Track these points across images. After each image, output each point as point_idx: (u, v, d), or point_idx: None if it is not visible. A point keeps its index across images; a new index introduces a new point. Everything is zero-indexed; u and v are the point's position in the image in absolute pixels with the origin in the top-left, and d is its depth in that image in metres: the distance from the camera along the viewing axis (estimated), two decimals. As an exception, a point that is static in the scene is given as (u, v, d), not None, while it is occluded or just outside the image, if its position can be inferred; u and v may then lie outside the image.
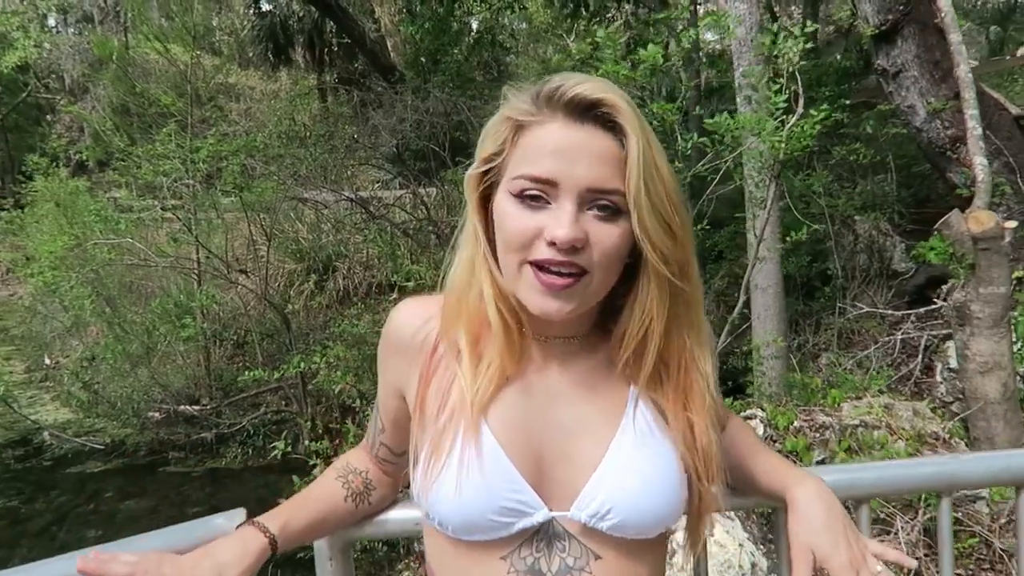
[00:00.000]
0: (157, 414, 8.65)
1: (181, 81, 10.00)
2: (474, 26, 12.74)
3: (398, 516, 1.18)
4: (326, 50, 16.24)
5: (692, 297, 0.93)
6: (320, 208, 9.92)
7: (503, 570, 0.92)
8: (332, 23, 14.32)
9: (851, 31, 13.37)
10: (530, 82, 0.92)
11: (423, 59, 11.21)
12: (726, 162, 3.85)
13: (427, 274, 6.91)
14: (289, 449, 5.24)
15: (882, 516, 2.98)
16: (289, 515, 1.04)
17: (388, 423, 1.11)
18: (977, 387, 3.62)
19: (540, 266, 0.86)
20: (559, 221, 0.84)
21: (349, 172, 9.96)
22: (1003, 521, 3.24)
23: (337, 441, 5.81)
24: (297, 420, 7.82)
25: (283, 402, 8.74)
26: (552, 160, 0.84)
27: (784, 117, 3.46)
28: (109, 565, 0.91)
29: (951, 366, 4.55)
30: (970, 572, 2.99)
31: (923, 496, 2.95)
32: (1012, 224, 3.57)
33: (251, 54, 18.41)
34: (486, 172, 0.92)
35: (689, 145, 3.64)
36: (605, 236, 0.86)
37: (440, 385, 0.97)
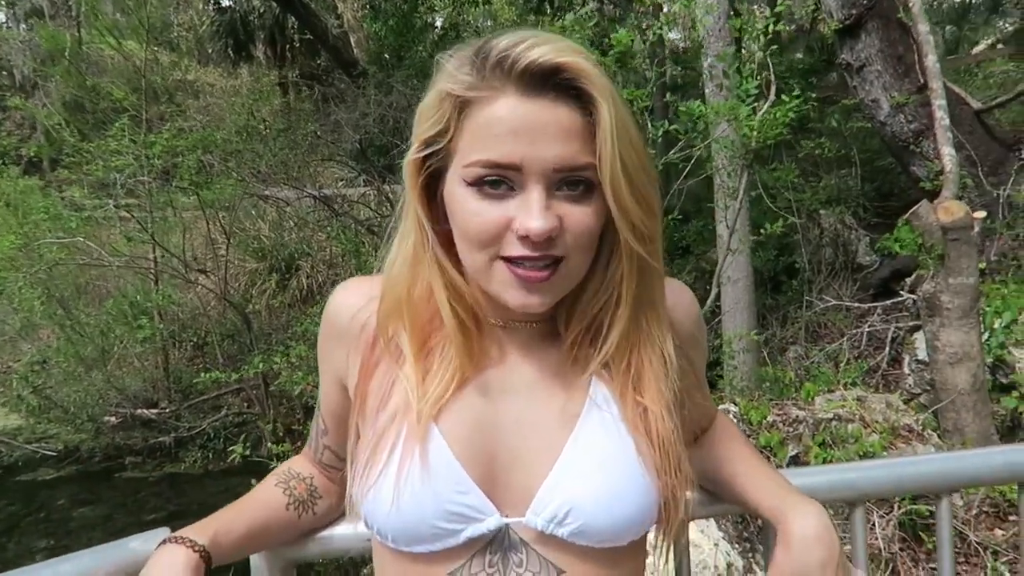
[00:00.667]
0: (113, 418, 8.39)
1: (136, 76, 9.72)
2: (438, 23, 12.60)
3: (346, 532, 1.05)
4: (288, 46, 15.96)
5: (657, 274, 0.83)
6: (282, 206, 9.72)
7: None
8: (294, 19, 14.07)
9: (812, 30, 13.49)
10: (467, 45, 0.79)
11: (386, 55, 11.05)
12: (698, 150, 3.77)
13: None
14: (249, 453, 5.07)
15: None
16: (221, 524, 0.91)
17: (331, 423, 0.98)
18: (947, 378, 3.60)
19: (513, 260, 0.76)
20: (530, 211, 0.73)
21: (312, 169, 9.76)
22: (975, 512, 3.21)
23: (299, 443, 5.64)
24: (259, 422, 7.63)
25: (245, 404, 8.53)
26: (511, 141, 0.73)
27: (755, 105, 3.40)
28: None
29: (919, 358, 4.54)
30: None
31: (898, 490, 2.91)
32: (981, 214, 3.55)
33: (210, 50, 18.04)
34: (428, 156, 0.80)
35: (660, 132, 3.56)
36: (580, 218, 0.76)
37: (382, 381, 0.86)
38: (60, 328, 8.37)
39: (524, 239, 0.74)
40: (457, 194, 0.77)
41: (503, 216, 0.75)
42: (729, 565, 2.37)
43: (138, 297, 8.11)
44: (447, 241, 0.83)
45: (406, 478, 0.79)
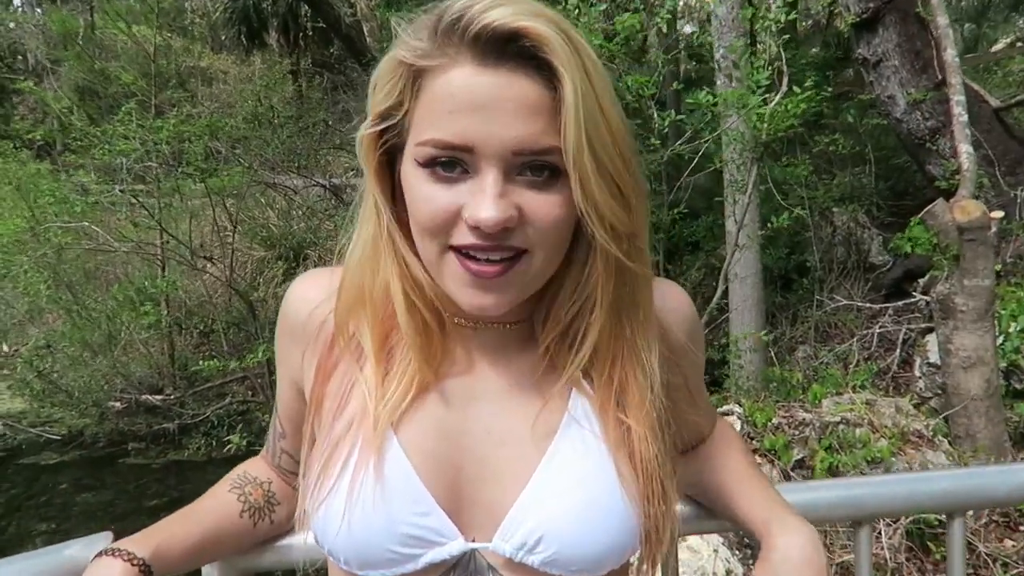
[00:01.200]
0: (118, 404, 8.38)
1: (146, 62, 9.71)
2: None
3: (304, 542, 0.96)
4: (300, 34, 15.92)
5: (640, 275, 0.73)
6: (290, 194, 9.69)
7: None
8: (307, 7, 14.03)
9: (828, 25, 13.32)
10: (427, 8, 0.69)
11: (399, 44, 11.01)
12: (706, 142, 3.67)
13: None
14: (248, 442, 5.03)
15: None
16: (166, 535, 0.82)
17: (288, 427, 0.90)
18: (960, 382, 3.51)
19: (464, 252, 0.67)
20: (480, 200, 0.64)
21: (321, 159, 9.72)
22: (984, 522, 3.13)
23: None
24: (261, 411, 7.61)
25: (249, 392, 8.51)
26: (463, 118, 0.64)
27: (767, 96, 3.30)
28: None
29: (931, 361, 4.45)
30: None
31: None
32: (999, 214, 3.45)
33: (223, 37, 18.03)
34: (384, 131, 0.71)
35: (667, 123, 3.45)
36: (543, 209, 0.66)
37: (341, 383, 0.77)
38: (67, 313, 8.38)
39: (475, 230, 0.65)
40: (410, 176, 0.69)
41: (454, 202, 0.66)
42: (728, 572, 2.30)
43: (145, 283, 8.08)
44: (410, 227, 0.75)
45: (359, 494, 0.70)
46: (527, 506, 0.72)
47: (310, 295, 0.82)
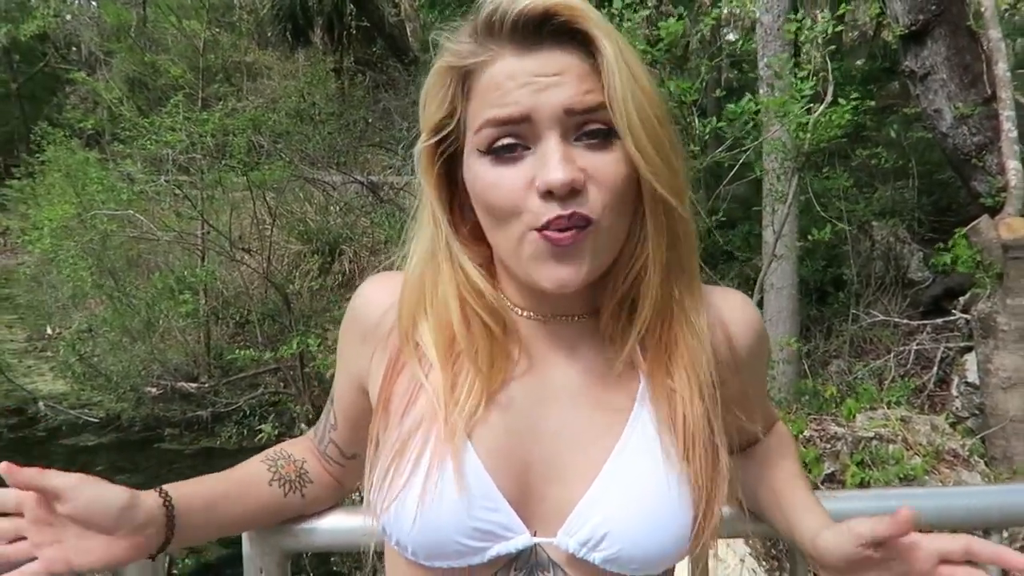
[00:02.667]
0: (154, 390, 8.57)
1: (195, 56, 9.91)
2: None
3: (340, 525, 1.00)
4: (345, 33, 16.12)
5: (686, 237, 0.76)
6: (329, 190, 9.81)
7: None
8: (352, 6, 14.21)
9: (876, 36, 13.13)
10: (463, 19, 0.74)
11: (441, 45, 11.12)
12: (746, 150, 3.65)
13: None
14: (280, 433, 5.11)
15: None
16: (192, 483, 0.88)
17: (342, 419, 0.94)
18: (998, 403, 3.45)
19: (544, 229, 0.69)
20: (546, 163, 0.68)
21: (360, 156, 9.83)
22: (1020, 545, 3.07)
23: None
24: (292, 403, 7.72)
25: (281, 384, 8.64)
26: (516, 94, 0.68)
27: (811, 106, 3.28)
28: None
29: (969, 380, 4.37)
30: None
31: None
32: (1046, 233, 3.39)
33: (269, 34, 18.31)
34: (441, 142, 0.75)
35: (708, 129, 3.45)
36: (605, 167, 0.70)
37: (408, 385, 0.80)
38: (109, 298, 8.58)
39: (547, 195, 0.68)
40: (475, 169, 0.73)
41: (522, 178, 0.70)
42: (754, 582, 2.30)
43: (184, 273, 8.25)
44: (471, 237, 0.79)
45: (433, 493, 0.73)
46: (593, 504, 0.74)
47: (380, 297, 0.85)
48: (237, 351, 6.22)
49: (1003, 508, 1.05)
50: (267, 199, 9.01)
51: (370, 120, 9.35)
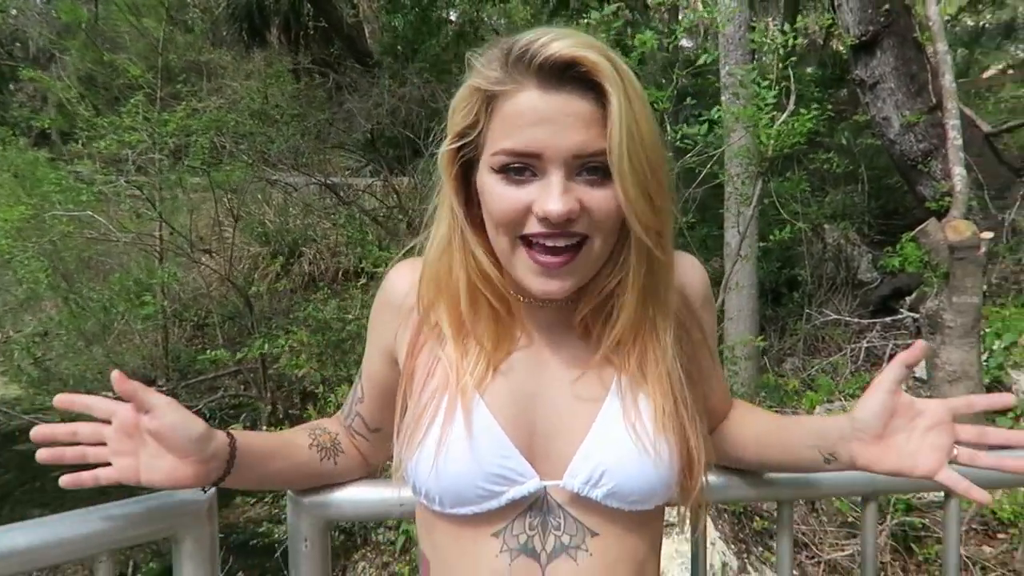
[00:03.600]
0: (111, 394, 8.35)
1: (152, 54, 9.73)
2: (453, 18, 12.62)
3: (379, 496, 1.10)
4: (302, 33, 15.95)
5: (664, 266, 0.89)
6: (289, 191, 9.74)
7: (495, 548, 0.87)
8: (309, 6, 14.10)
9: (825, 45, 13.53)
10: (495, 44, 0.86)
11: (400, 48, 11.10)
12: (713, 156, 3.82)
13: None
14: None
15: (850, 519, 2.98)
16: (251, 434, 1.01)
17: (369, 391, 1.05)
18: (945, 395, 3.64)
19: (533, 241, 0.82)
20: (549, 195, 0.80)
21: (320, 157, 9.78)
22: (964, 529, 3.26)
23: (298, 425, 5.66)
24: (256, 405, 7.66)
25: (242, 386, 8.54)
26: (531, 131, 0.80)
27: (773, 114, 3.45)
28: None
29: (917, 375, 4.59)
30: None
31: (891, 500, 2.95)
32: (989, 234, 3.60)
33: (225, 33, 18.03)
34: (462, 147, 0.88)
35: (679, 136, 3.61)
36: (600, 200, 0.82)
37: (427, 360, 0.93)
38: (63, 301, 8.38)
39: (543, 220, 0.80)
40: (486, 181, 0.84)
41: (525, 199, 0.82)
42: (724, 564, 2.42)
43: (142, 275, 8.11)
44: (481, 228, 0.90)
45: (448, 441, 0.85)
46: (589, 451, 0.88)
47: (406, 279, 0.98)
48: (208, 352, 6.16)
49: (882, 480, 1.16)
50: (227, 200, 8.92)
51: (332, 122, 9.31)
